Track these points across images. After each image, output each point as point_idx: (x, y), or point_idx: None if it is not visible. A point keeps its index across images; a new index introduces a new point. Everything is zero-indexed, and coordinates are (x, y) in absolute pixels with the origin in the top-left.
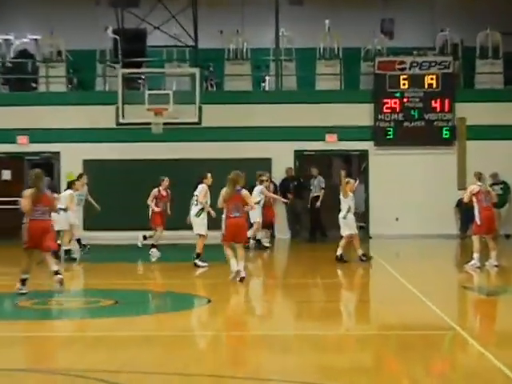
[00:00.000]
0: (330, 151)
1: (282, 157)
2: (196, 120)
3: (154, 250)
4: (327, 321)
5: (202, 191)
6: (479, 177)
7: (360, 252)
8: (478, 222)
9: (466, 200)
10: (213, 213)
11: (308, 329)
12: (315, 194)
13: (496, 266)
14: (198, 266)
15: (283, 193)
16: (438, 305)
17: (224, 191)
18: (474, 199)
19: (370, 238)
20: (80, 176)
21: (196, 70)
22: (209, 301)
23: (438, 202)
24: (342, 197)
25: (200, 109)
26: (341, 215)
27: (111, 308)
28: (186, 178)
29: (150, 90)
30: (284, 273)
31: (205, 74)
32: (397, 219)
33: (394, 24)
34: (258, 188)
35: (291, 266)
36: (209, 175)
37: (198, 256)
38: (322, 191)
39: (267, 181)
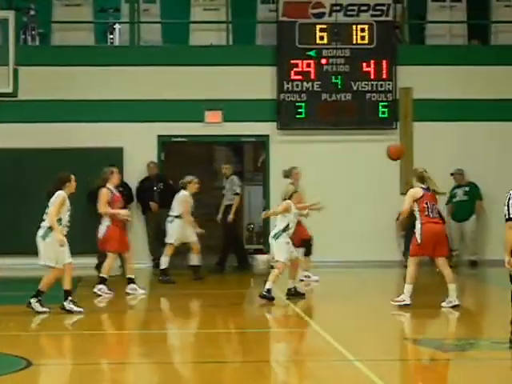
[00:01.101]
0: (211, 137)
1: (139, 146)
2: (9, 90)
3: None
4: None
5: None
6: (421, 176)
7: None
8: (418, 240)
9: (404, 210)
10: None
11: None
12: (227, 203)
13: (456, 305)
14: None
15: (142, 200)
16: (369, 365)
17: None
18: (417, 208)
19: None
20: None
21: (9, 14)
22: (28, 363)
23: (370, 213)
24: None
25: (16, 73)
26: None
27: None
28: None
29: None
30: None
31: (23, 20)
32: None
33: None
34: (181, 194)
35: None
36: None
37: None
38: (237, 198)
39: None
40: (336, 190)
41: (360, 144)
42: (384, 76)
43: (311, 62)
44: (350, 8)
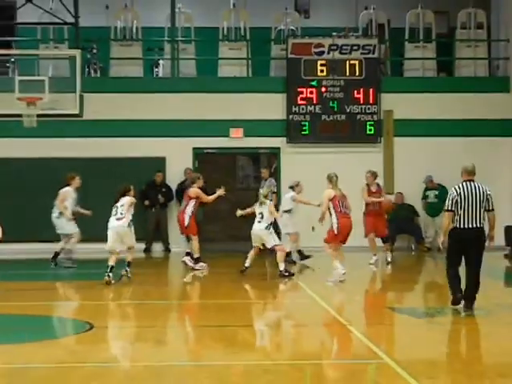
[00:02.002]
0: (234, 149)
1: (178, 156)
2: (76, 111)
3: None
4: (233, 348)
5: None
6: (331, 179)
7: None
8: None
9: (323, 209)
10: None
11: (208, 358)
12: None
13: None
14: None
15: (181, 198)
16: (361, 329)
17: None
18: (331, 205)
19: None
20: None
21: (76, 52)
22: (91, 326)
23: (361, 209)
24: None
25: (81, 98)
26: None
27: None
28: (64, 180)
29: (21, 75)
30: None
31: (87, 56)
32: (313, 229)
33: (309, 0)
34: (288, 195)
35: (190, 286)
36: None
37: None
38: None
39: (297, 185)
40: None
41: (351, 154)
42: (371, 101)
43: (313, 89)
44: (344, 47)
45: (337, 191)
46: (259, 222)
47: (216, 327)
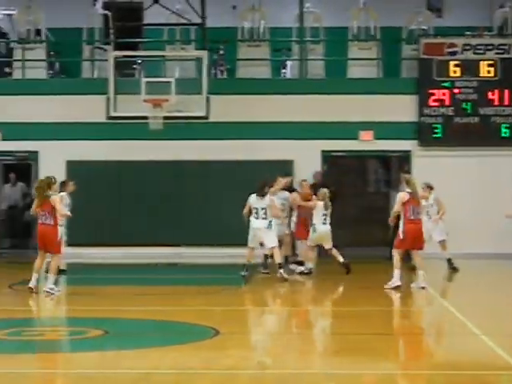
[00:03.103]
0: (364, 152)
1: (306, 158)
2: (203, 114)
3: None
4: (363, 357)
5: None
6: (408, 181)
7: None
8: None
9: (394, 211)
10: None
11: (341, 367)
12: None
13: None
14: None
15: None
16: (495, 339)
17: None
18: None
19: None
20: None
21: (203, 54)
22: (216, 332)
23: (495, 215)
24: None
25: (208, 100)
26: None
27: (99, 340)
28: (191, 183)
29: (147, 77)
30: (314, 300)
31: (214, 57)
32: (446, 234)
33: None
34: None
35: (319, 292)
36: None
37: (281, 267)
38: None
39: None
40: (466, 196)
41: (485, 158)
42: (506, 102)
43: (446, 91)
44: (478, 47)
45: (414, 195)
46: None
47: (346, 335)
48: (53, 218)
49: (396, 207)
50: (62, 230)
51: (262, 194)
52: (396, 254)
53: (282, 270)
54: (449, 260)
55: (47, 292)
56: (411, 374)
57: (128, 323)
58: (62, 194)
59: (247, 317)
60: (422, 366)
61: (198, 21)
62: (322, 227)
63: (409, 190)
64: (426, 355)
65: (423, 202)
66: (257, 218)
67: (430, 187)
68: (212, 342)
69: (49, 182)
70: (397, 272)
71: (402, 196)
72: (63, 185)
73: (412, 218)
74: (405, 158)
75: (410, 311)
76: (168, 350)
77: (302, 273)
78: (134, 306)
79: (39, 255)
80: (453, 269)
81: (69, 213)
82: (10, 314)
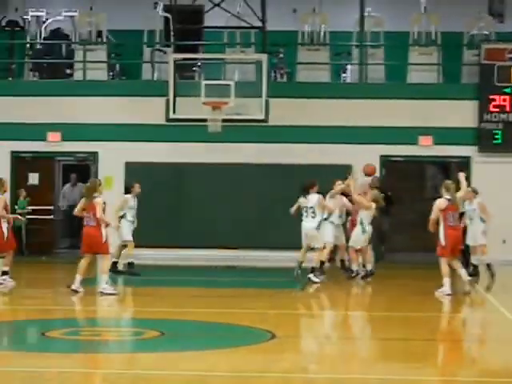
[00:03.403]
0: (423, 157)
1: (364, 163)
2: (262, 117)
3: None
4: (417, 363)
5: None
6: (447, 187)
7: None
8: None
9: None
10: None
11: (393, 372)
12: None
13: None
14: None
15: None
16: None
17: None
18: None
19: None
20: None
21: (263, 57)
22: (273, 336)
23: None
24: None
25: (267, 103)
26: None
27: (155, 341)
28: (251, 186)
29: (207, 79)
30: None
31: (273, 61)
32: (504, 241)
33: (504, 4)
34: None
35: (374, 297)
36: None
37: (313, 270)
38: None
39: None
40: None
41: None
42: None
43: (507, 97)
44: None
45: (453, 201)
46: None
47: (399, 340)
48: (96, 219)
49: (433, 214)
50: (105, 232)
51: (306, 193)
52: (443, 263)
53: (312, 274)
54: (488, 265)
55: (101, 293)
56: (462, 381)
57: (184, 325)
58: (127, 196)
59: (303, 320)
60: (473, 374)
61: (259, 24)
62: (371, 228)
63: (447, 197)
64: (478, 361)
65: (466, 207)
66: (306, 217)
67: (474, 191)
68: (268, 346)
69: (98, 184)
70: (446, 280)
71: (439, 203)
72: (130, 187)
73: (452, 224)
74: (464, 164)
75: (467, 317)
76: (224, 353)
77: (364, 276)
78: (191, 307)
79: (85, 258)
80: (491, 275)
81: (107, 219)
82: (67, 314)
